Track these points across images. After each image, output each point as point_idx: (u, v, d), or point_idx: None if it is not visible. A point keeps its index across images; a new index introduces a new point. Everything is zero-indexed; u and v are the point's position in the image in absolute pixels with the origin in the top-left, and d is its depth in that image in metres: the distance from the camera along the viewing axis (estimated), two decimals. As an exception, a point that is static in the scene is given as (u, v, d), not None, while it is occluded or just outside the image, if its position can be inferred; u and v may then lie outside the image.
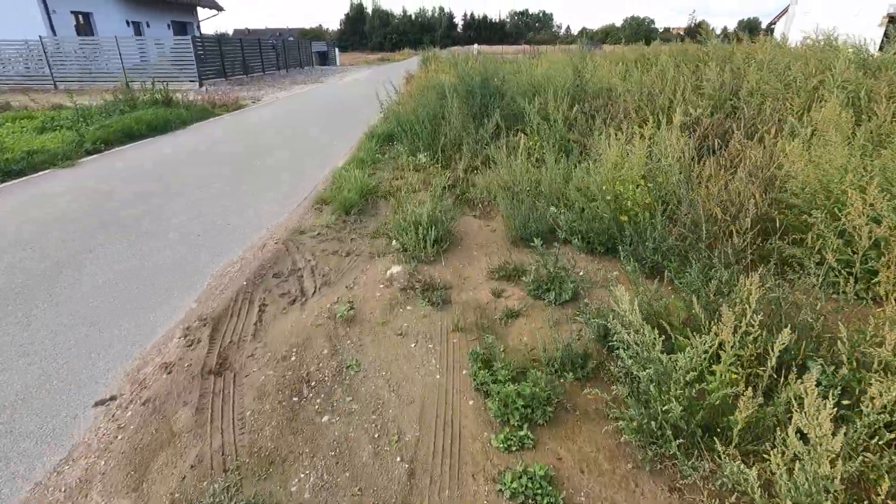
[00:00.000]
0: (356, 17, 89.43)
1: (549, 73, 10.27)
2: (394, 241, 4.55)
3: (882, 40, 12.53)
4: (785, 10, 59.42)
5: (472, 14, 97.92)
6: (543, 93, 9.06)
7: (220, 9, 33.37)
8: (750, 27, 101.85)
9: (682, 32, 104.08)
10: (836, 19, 14.50)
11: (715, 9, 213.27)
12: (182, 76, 20.15)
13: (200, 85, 19.76)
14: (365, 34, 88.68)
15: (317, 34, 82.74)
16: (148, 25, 28.20)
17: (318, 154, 8.58)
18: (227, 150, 8.86)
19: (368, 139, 8.58)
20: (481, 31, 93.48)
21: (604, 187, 4.05)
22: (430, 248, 4.19)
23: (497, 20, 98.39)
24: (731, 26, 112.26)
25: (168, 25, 30.19)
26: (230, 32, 77.10)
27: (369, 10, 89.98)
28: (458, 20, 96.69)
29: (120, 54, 19.40)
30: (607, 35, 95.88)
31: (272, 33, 77.89)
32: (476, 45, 51.37)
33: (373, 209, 5.73)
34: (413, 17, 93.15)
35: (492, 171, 6.17)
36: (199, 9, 32.54)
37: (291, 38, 39.57)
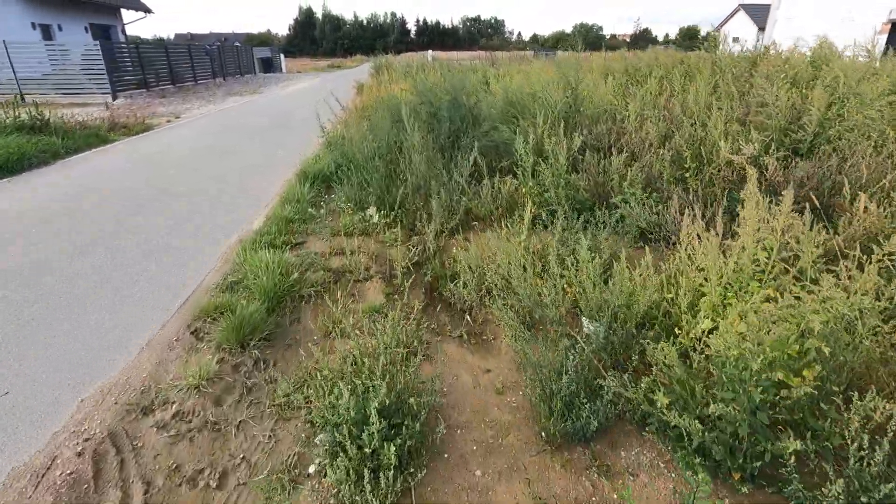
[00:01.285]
0: (306, 22, 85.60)
1: (525, 87, 8.24)
2: (316, 459, 2.26)
3: (885, 47, 11.17)
4: (730, 16, 59.64)
5: (424, 20, 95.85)
6: (528, 115, 7.00)
7: (147, 10, 29.83)
8: (690, 34, 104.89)
9: (627, 39, 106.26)
10: (823, 24, 13.27)
11: (656, 16, 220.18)
12: (95, 87, 17.03)
13: (114, 98, 16.70)
14: (315, 39, 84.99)
15: (264, 39, 78.53)
16: (60, 29, 24.49)
17: (224, 210, 5.87)
18: (83, 206, 5.90)
19: (300, 181, 6.23)
20: (434, 36, 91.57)
21: (744, 374, 1.90)
22: (387, 489, 1.95)
23: (450, 26, 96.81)
24: (673, 34, 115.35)
25: (86, 29, 26.48)
26: (171, 37, 71.92)
27: (319, 15, 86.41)
28: (411, 26, 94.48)
29: (10, 62, 16.07)
30: (558, 41, 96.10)
31: (216, 38, 73.21)
32: (431, 51, 49.28)
33: (291, 327, 3.41)
34: (365, 22, 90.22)
35: (477, 240, 4.03)
36: (123, 11, 28.94)
37: (238, 44, 36.30)
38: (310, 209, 5.39)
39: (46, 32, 23.53)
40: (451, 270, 4.10)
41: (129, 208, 5.76)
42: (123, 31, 29.99)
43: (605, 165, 5.06)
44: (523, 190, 5.08)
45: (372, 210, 5.16)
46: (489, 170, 5.40)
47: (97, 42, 16.95)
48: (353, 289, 3.89)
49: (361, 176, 5.50)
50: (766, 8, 57.88)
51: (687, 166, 4.87)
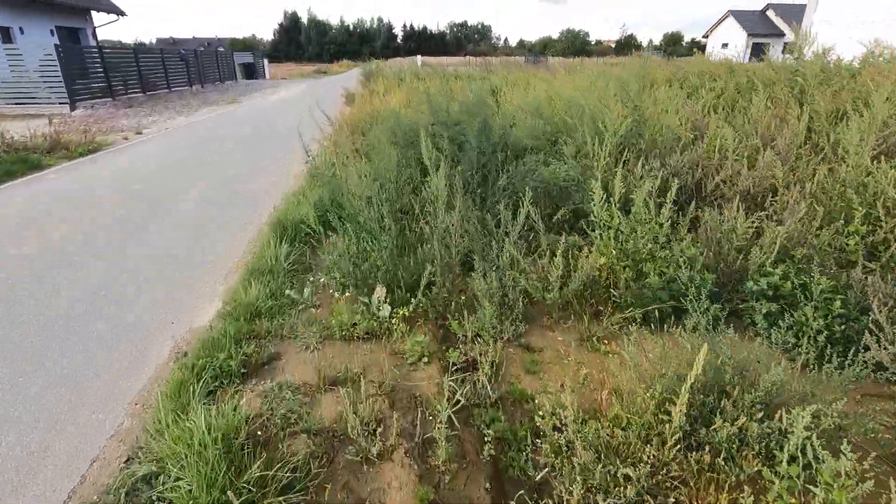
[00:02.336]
0: (291, 27, 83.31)
1: (556, 100, 6.56)
2: None
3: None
4: (719, 22, 58.94)
5: (411, 25, 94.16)
6: (574, 139, 5.31)
7: (120, 13, 27.63)
8: (673, 40, 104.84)
9: (612, 45, 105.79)
10: (869, 27, 11.86)
11: (635, 22, 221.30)
12: (53, 96, 15.00)
13: (73, 108, 14.69)
14: (301, 45, 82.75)
15: (249, 44, 76.13)
16: (22, 32, 22.26)
17: (147, 300, 3.74)
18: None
19: (275, 236, 4.44)
20: (421, 42, 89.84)
21: None
22: None
23: (437, 31, 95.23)
24: (657, 39, 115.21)
25: (52, 32, 24.25)
26: (153, 41, 69.13)
27: (305, 20, 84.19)
28: (398, 31, 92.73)
29: (-51, 68, 13.99)
30: (545, 47, 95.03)
31: (199, 43, 70.63)
32: (420, 57, 47.62)
33: None
34: (351, 27, 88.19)
35: (556, 357, 2.33)
36: (93, 13, 26.73)
37: (221, 49, 34.18)
38: (288, 290, 3.60)
39: (6, 35, 21.31)
40: (524, 423, 2.39)
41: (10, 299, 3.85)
42: (94, 35, 27.74)
43: (725, 225, 3.37)
44: (601, 261, 3.37)
45: (380, 292, 3.40)
46: (544, 224, 3.69)
47: (55, 45, 14.92)
48: (359, 480, 2.14)
49: (362, 239, 3.73)
50: (756, 14, 57.02)
51: (853, 230, 3.22)
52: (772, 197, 3.85)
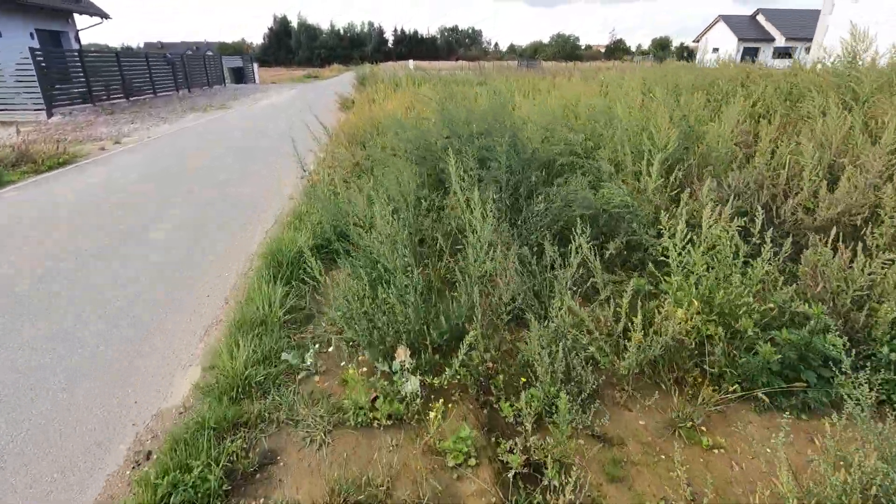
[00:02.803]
0: (281, 31, 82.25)
1: (576, 106, 5.86)
2: None
3: None
4: (710, 27, 59.09)
5: (402, 29, 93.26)
6: (608, 155, 4.60)
7: (104, 16, 26.62)
8: (662, 45, 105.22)
9: (602, 50, 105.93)
10: (874, 29, 11.34)
11: (624, 27, 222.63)
12: (30, 102, 14.08)
13: (50, 114, 13.77)
14: (291, 49, 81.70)
15: (238, 48, 74.97)
16: (0, 35, 21.27)
17: (100, 371, 3.03)
18: None
19: (267, 272, 3.66)
20: (412, 46, 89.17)
21: None
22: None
23: (428, 36, 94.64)
24: (646, 44, 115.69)
25: (31, 35, 23.20)
26: (141, 45, 67.71)
27: (295, 24, 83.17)
28: (389, 35, 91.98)
29: (-83, 73, 13.02)
30: (536, 51, 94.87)
31: (188, 47, 69.37)
32: (412, 61, 47.00)
33: None
34: (342, 31, 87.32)
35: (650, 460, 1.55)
36: (76, 16, 25.69)
37: (210, 52, 33.20)
38: (285, 352, 2.83)
39: (-18, 38, 20.29)
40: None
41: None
42: (77, 38, 26.70)
43: (835, 266, 2.68)
44: (678, 313, 2.65)
45: (402, 355, 2.65)
46: (601, 262, 2.97)
47: (31, 48, 14.00)
48: None
49: (375, 281, 2.98)
50: (746, 19, 57.09)
51: None
52: (871, 226, 3.17)
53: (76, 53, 16.26)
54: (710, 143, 4.43)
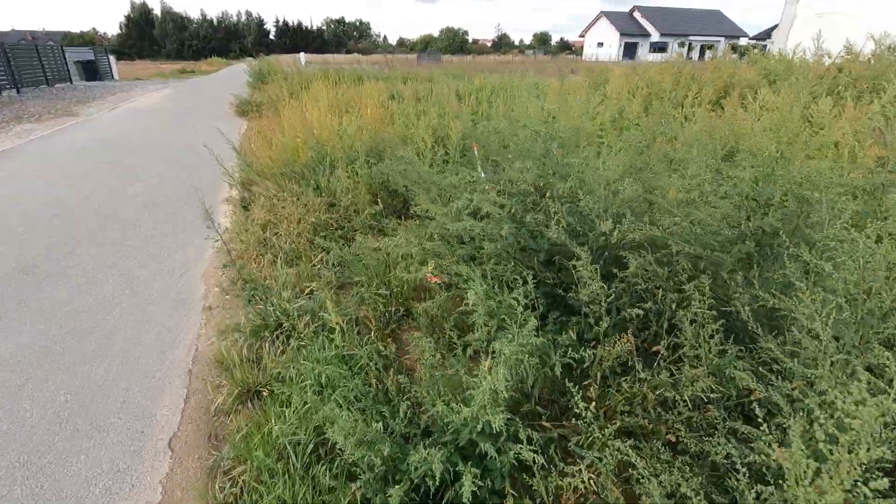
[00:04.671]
0: (141, 20, 71.10)
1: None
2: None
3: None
4: (593, 23, 61.52)
5: (285, 20, 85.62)
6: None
7: None
8: (543, 40, 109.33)
9: (489, 44, 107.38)
10: (829, 19, 10.79)
11: (512, 22, 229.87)
12: None
13: None
14: (156, 40, 71.13)
15: (89, 40, 63.33)
16: None
17: None
18: None
19: None
20: (297, 38, 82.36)
21: None
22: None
23: (314, 28, 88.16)
24: (527, 39, 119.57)
25: None
26: (-50, 34, 53.82)
27: (158, 12, 72.40)
28: (270, 26, 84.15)
29: None
30: (427, 45, 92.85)
31: (20, 36, 56.87)
32: (303, 54, 42.45)
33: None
34: (215, 21, 77.92)
35: None
36: None
37: (52, 43, 26.19)
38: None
39: None
40: None
41: None
42: None
43: None
44: None
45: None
46: None
47: None
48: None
49: None
50: (625, 15, 60.01)
51: None
52: None
53: None
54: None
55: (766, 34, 56.96)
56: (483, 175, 4.85)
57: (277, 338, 2.67)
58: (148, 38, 70.77)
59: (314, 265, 3.51)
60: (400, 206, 4.63)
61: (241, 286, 3.25)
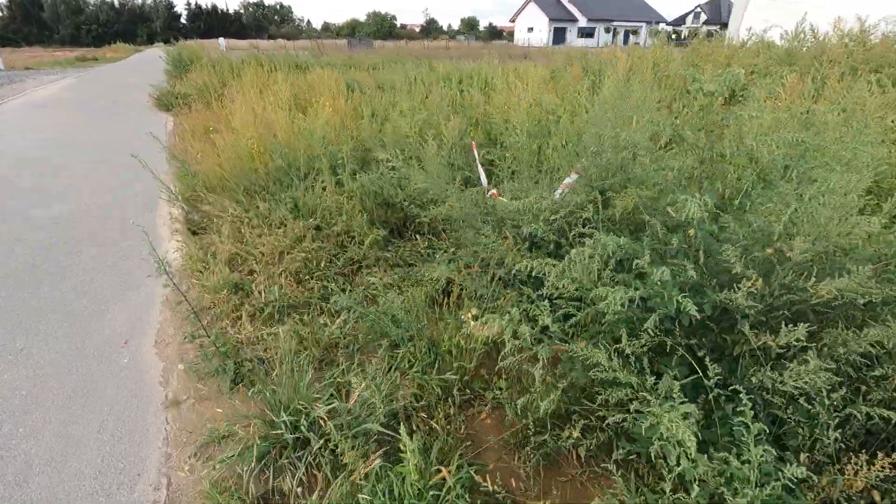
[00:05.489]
0: (27, 2, 62.45)
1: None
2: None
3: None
4: (522, 8, 62.07)
5: (197, 3, 78.65)
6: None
7: None
8: (470, 25, 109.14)
9: (417, 29, 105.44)
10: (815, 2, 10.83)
11: (439, 7, 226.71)
12: None
13: None
14: (46, 24, 62.97)
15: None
16: None
17: None
18: None
19: None
20: (213, 23, 76.08)
21: None
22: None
23: (230, 11, 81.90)
24: (455, 24, 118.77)
25: None
26: None
27: (46, -8, 63.87)
28: (181, 10, 77.18)
29: None
30: (354, 29, 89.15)
31: None
32: (223, 39, 38.99)
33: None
34: (117, 4, 70.16)
35: None
36: None
37: None
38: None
39: None
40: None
41: None
42: None
43: None
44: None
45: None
46: None
47: None
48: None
49: None
50: (553, 1, 61.06)
51: None
52: None
53: None
54: None
55: (681, 20, 59.85)
56: (484, 180, 4.06)
57: (302, 457, 1.76)
58: (36, 22, 62.47)
59: (322, 322, 2.58)
60: (400, 222, 3.74)
61: (220, 365, 2.27)
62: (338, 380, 2.08)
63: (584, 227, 2.06)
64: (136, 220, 4.24)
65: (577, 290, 1.61)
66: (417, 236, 3.55)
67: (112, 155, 6.54)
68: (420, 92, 6.64)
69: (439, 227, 3.55)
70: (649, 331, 1.50)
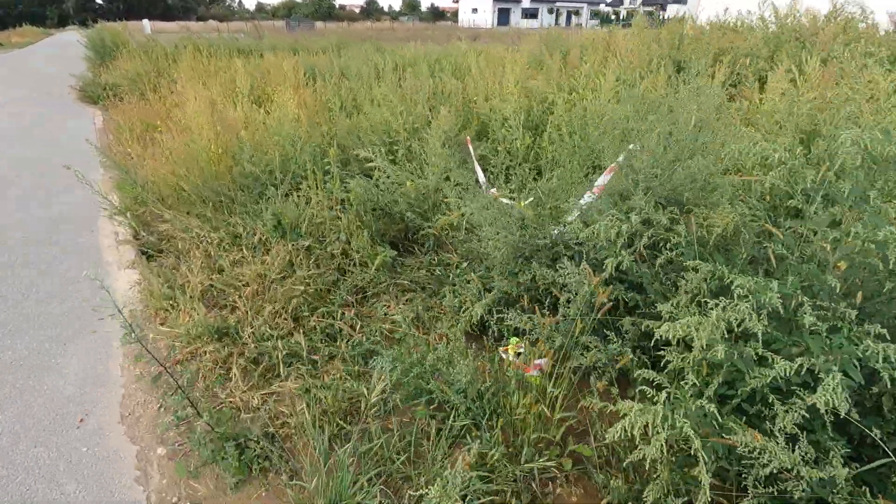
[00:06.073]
0: None
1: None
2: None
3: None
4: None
5: (114, -19, 71.61)
6: None
7: None
8: (412, 6, 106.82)
9: (357, 10, 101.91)
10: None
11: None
12: None
13: None
14: (-65, 4, 55.52)
15: None
16: None
17: None
18: None
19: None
20: (134, 3, 69.81)
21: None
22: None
23: (152, -9, 75.24)
24: (396, 6, 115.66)
25: None
26: None
27: (-69, -32, 55.94)
28: (97, -12, 70.08)
29: None
30: (291, 10, 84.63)
31: None
32: (147, 21, 35.71)
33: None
34: (19, -19, 62.66)
35: None
36: None
37: None
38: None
39: None
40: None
41: None
42: None
43: None
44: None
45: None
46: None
47: None
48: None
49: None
50: (499, -20, 59.30)
51: None
52: None
53: None
54: None
55: (619, 1, 60.97)
56: (483, 180, 3.64)
57: None
58: (-78, 2, 54.95)
59: (335, 373, 2.08)
60: (401, 235, 3.25)
61: (217, 449, 1.74)
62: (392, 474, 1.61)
63: (671, 251, 1.68)
64: (78, 242, 3.50)
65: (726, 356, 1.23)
66: (418, 248, 3.09)
67: (38, 161, 5.55)
68: (390, 80, 6.06)
69: (442, 237, 3.10)
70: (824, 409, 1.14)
